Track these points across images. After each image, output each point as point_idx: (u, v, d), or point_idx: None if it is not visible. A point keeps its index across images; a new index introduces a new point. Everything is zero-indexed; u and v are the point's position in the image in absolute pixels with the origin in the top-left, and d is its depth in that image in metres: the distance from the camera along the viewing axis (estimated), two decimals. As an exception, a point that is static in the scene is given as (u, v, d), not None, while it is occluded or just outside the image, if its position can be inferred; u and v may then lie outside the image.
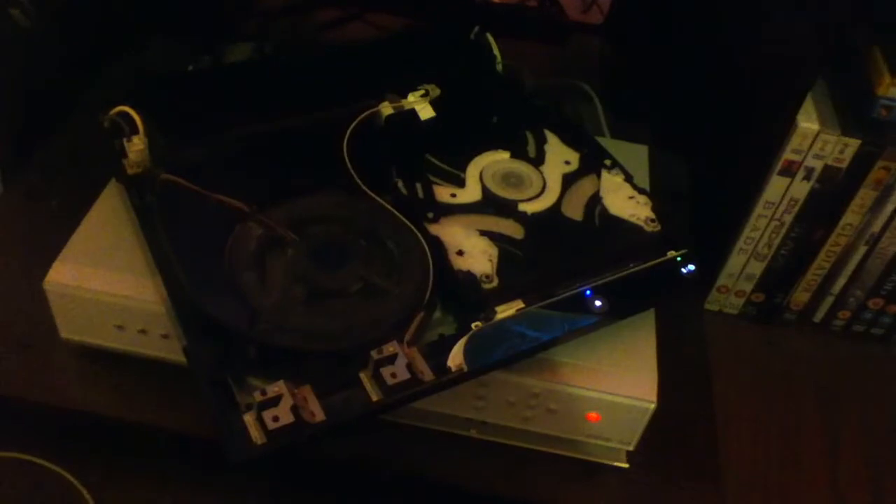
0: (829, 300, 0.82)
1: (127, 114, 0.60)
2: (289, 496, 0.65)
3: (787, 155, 0.71)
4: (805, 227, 0.76)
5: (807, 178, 0.72)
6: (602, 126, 0.88)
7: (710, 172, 0.84)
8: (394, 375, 0.50)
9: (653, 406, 0.58)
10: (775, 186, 0.73)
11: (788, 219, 0.75)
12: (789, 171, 0.72)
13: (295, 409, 0.47)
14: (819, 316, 0.83)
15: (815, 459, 0.75)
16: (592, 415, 0.59)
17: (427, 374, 0.51)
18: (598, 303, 0.57)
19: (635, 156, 0.75)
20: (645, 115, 0.87)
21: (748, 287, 0.82)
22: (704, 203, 0.83)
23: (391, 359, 0.50)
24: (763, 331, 0.84)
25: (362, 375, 0.51)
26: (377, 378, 0.50)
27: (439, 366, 0.52)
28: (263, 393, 0.47)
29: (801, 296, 0.82)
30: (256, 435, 0.47)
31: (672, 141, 0.82)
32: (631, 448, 0.61)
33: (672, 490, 0.63)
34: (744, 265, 0.80)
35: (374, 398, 0.50)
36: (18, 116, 0.77)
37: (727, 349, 0.81)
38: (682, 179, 0.86)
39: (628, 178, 0.65)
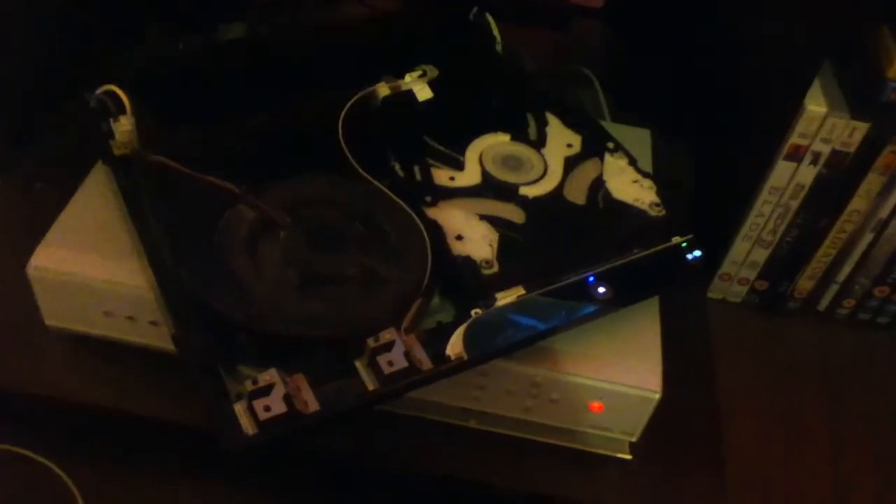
0: (834, 288, 0.80)
1: (114, 93, 0.58)
2: (289, 491, 0.64)
3: (794, 139, 0.70)
4: (811, 214, 0.74)
5: (813, 162, 0.71)
6: (603, 110, 0.86)
7: (714, 158, 0.83)
8: (391, 364, 0.48)
9: (658, 396, 0.56)
10: (781, 172, 0.72)
11: (794, 205, 0.74)
12: (796, 155, 0.71)
13: (288, 399, 0.46)
14: (823, 304, 0.82)
15: (818, 450, 0.74)
16: (595, 405, 0.57)
17: (425, 363, 0.49)
18: (601, 290, 0.56)
19: (638, 140, 0.74)
20: (646, 99, 0.85)
21: (752, 275, 0.80)
22: (707, 189, 0.81)
23: (388, 346, 0.49)
24: (766, 319, 0.83)
25: (358, 364, 0.49)
26: (373, 366, 0.49)
27: (438, 354, 0.50)
28: (255, 382, 0.46)
29: (805, 283, 0.81)
30: (247, 425, 0.45)
31: (674, 126, 0.80)
32: (634, 439, 0.60)
33: (675, 482, 0.62)
34: (748, 252, 0.78)
35: (370, 387, 0.48)
36: (13, 106, 0.75)
37: (730, 338, 0.80)
38: (684, 165, 0.84)
39: (632, 162, 0.64)
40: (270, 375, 0.46)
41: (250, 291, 0.51)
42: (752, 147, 0.75)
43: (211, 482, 0.63)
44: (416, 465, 0.60)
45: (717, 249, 0.79)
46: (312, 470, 0.62)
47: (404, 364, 0.48)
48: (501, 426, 0.61)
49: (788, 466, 0.72)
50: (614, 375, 0.56)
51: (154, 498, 0.62)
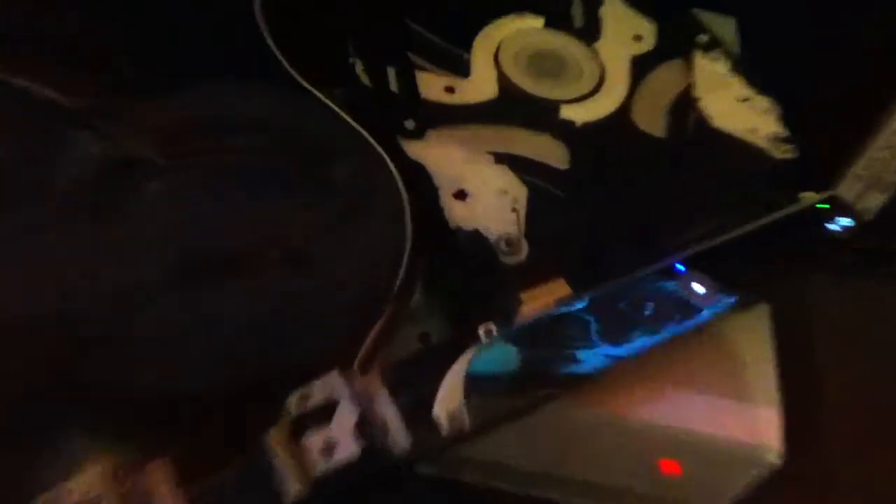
0: (962, 247, 0.61)
1: None
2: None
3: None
4: (962, 148, 0.54)
5: None
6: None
7: (819, 71, 0.63)
8: (329, 449, 0.26)
9: (777, 459, 0.36)
10: (932, 86, 0.51)
11: (939, 135, 0.54)
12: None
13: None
14: (943, 266, 0.63)
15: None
16: (669, 463, 0.38)
17: (397, 439, 0.27)
18: (696, 287, 0.34)
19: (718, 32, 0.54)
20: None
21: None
22: (804, 112, 0.62)
23: (326, 412, 0.27)
24: (863, 285, 0.65)
25: (271, 442, 0.27)
26: (298, 452, 0.27)
27: (417, 412, 0.29)
28: (69, 492, 0.24)
29: (926, 240, 0.61)
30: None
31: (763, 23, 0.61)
32: (718, 509, 0.40)
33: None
34: (857, 197, 0.59)
35: (293, 490, 0.26)
36: None
37: (816, 308, 0.61)
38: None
39: (737, 67, 0.45)
40: (96, 475, 0.24)
41: (80, 290, 0.29)
42: (882, 57, 0.56)
43: None
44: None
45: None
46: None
47: (352, 449, 0.26)
48: (509, 480, 0.41)
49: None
50: (705, 422, 0.37)
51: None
